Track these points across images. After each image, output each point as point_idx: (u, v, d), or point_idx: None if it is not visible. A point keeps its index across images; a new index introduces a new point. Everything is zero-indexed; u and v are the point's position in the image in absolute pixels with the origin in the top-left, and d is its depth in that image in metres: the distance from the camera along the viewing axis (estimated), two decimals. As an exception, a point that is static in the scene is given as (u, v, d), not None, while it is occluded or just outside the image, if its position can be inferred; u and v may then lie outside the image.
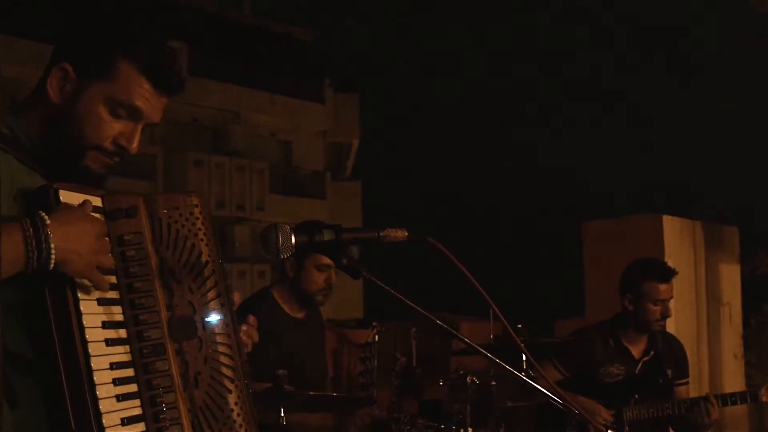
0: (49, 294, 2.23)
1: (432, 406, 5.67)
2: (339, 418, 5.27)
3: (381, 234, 2.55)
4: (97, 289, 2.24)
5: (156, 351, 2.34)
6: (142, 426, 2.29)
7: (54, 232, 2.14)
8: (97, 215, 2.28)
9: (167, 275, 2.40)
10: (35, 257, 2.11)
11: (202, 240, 2.46)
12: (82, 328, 2.22)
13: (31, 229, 2.11)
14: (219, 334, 2.45)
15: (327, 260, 4.98)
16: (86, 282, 2.23)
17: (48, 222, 2.13)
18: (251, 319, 2.60)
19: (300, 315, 5.24)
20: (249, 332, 2.57)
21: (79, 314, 2.23)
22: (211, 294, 2.45)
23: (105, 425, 2.21)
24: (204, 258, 2.45)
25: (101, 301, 2.29)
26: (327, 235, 2.50)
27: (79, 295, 2.24)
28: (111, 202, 2.36)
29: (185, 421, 2.35)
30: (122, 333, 2.31)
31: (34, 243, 2.11)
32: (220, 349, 2.44)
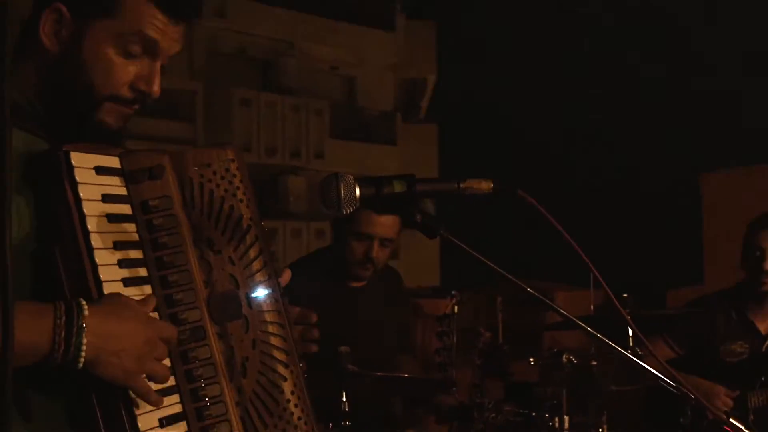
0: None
1: (521, 390, 5.65)
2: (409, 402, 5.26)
3: (461, 186, 2.52)
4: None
5: (195, 336, 2.29)
6: (183, 426, 2.25)
7: (90, 327, 2.07)
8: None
9: (203, 245, 2.35)
10: (60, 352, 2.06)
11: (241, 201, 2.41)
12: None
13: (63, 318, 2.05)
14: (268, 311, 2.40)
15: (368, 228, 5.01)
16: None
17: (86, 313, 2.08)
18: (314, 317, 2.55)
19: (358, 283, 5.24)
20: (308, 333, 2.52)
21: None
22: (255, 264, 2.40)
23: (141, 429, 2.18)
24: (245, 222, 2.40)
25: (127, 282, 2.24)
26: (398, 187, 2.46)
27: (101, 276, 2.20)
28: (131, 161, 2.30)
29: (234, 417, 2.30)
30: (154, 317, 2.25)
31: (63, 334, 2.05)
32: (270, 329, 2.39)
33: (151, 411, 2.19)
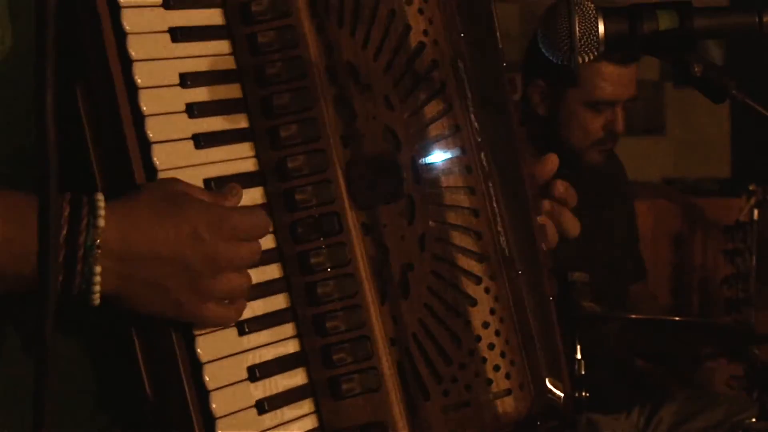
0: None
1: None
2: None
3: (766, 20, 1.66)
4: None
5: (324, 227, 1.45)
6: (301, 375, 1.44)
7: (109, 241, 1.25)
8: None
9: (345, 79, 1.50)
10: (58, 283, 1.22)
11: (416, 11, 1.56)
12: None
13: (65, 225, 1.24)
14: (448, 189, 1.55)
15: (610, 90, 3.58)
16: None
17: (101, 213, 1.25)
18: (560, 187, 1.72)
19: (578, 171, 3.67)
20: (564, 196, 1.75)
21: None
22: (429, 110, 1.55)
23: (209, 387, 1.36)
24: (416, 39, 1.56)
25: (200, 142, 1.41)
26: (664, 21, 1.68)
27: (149, 134, 1.37)
28: None
29: (386, 364, 1.48)
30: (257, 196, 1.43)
31: (63, 254, 1.22)
32: (451, 218, 1.55)
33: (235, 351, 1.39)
